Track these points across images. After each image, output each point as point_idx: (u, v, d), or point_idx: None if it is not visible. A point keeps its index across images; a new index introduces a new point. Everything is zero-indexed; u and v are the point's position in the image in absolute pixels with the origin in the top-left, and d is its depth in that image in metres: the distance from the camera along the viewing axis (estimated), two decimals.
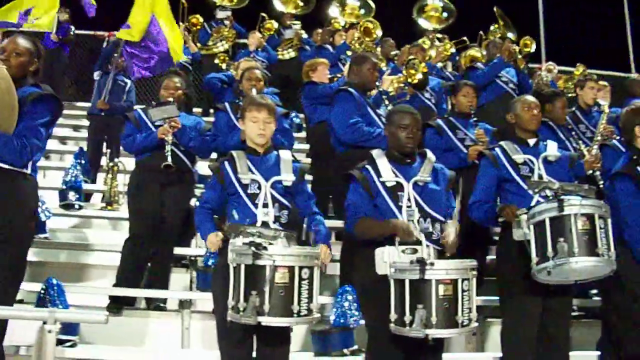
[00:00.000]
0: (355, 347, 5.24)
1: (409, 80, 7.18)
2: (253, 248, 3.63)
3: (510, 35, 10.34)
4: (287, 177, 4.33)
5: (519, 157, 4.70)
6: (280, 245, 3.79)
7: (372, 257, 4.09)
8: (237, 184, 4.28)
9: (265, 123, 4.38)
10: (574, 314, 6.38)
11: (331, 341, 5.21)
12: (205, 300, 5.65)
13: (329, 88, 7.40)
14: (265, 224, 4.15)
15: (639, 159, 4.81)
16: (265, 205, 4.23)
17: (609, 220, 4.23)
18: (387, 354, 4.06)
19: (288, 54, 11.08)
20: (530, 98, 5.03)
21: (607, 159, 6.04)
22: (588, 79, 7.61)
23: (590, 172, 6.15)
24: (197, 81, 11.61)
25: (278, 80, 10.29)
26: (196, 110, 10.60)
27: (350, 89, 5.89)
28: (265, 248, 3.66)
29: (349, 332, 5.25)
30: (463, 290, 3.75)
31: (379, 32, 9.88)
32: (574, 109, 7.31)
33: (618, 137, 6.44)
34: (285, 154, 4.47)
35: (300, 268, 3.71)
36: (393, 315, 3.82)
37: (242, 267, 3.71)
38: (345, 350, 5.19)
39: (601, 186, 5.88)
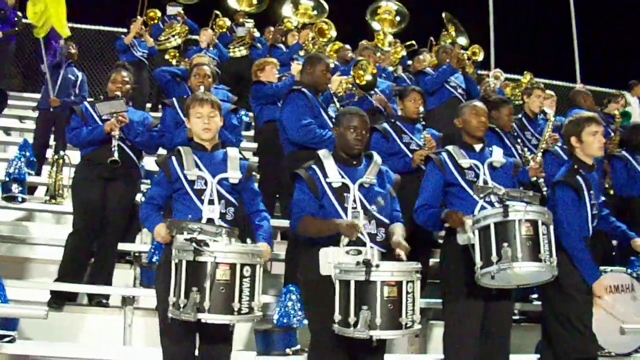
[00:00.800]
0: (298, 347, 5.24)
1: (357, 81, 7.20)
2: (194, 244, 3.60)
3: (463, 39, 10.44)
4: (234, 175, 4.32)
5: (465, 162, 4.74)
6: (222, 242, 3.76)
7: (317, 257, 4.10)
8: (183, 180, 4.26)
9: (209, 117, 4.37)
10: (514, 317, 6.50)
11: (274, 341, 5.20)
12: (148, 297, 5.60)
13: (274, 87, 7.40)
14: (210, 221, 4.12)
15: (579, 168, 4.92)
16: (211, 202, 4.21)
17: (552, 227, 4.32)
18: (330, 354, 4.07)
19: (240, 51, 11.04)
20: (478, 104, 5.06)
21: (548, 165, 6.19)
22: (535, 87, 7.70)
23: (534, 178, 6.26)
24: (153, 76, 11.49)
25: (229, 77, 10.26)
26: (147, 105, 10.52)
27: (303, 90, 5.87)
28: (206, 244, 3.63)
29: (292, 331, 5.24)
30: (407, 292, 3.77)
31: (333, 33, 9.94)
32: (520, 116, 7.41)
33: (561, 145, 6.58)
34: (232, 152, 4.46)
35: (242, 265, 3.69)
36: (337, 316, 3.81)
37: (184, 263, 3.68)
38: (287, 350, 5.19)
39: (545, 193, 5.99)
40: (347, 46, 10.16)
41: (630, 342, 5.70)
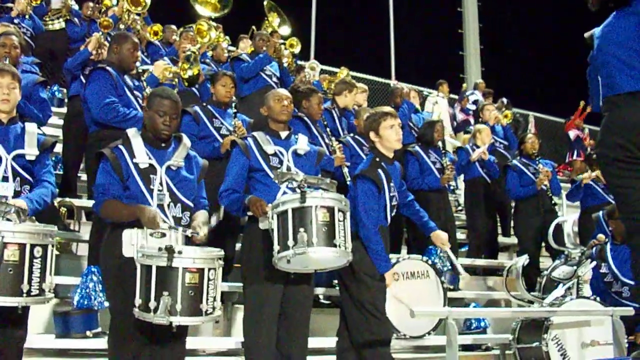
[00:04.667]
0: (99, 329, 5.15)
1: (181, 73, 7.11)
2: None
3: (286, 28, 10.51)
4: (31, 151, 4.19)
5: (270, 148, 4.82)
6: (11, 221, 3.62)
7: (120, 238, 4.02)
8: None
9: (9, 88, 4.23)
10: (320, 302, 6.73)
11: (73, 323, 5.09)
12: None
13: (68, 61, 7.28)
14: (3, 199, 3.94)
15: (380, 161, 5.14)
16: (5, 179, 4.06)
17: (348, 214, 4.44)
18: (129, 338, 4.02)
19: (59, 24, 10.53)
20: (281, 90, 5.20)
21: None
22: (355, 85, 8.01)
23: (339, 167, 6.51)
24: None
25: (43, 51, 9.79)
26: None
27: (108, 68, 5.72)
28: None
29: (93, 314, 5.15)
30: (209, 279, 3.79)
31: (147, 1, 9.67)
32: (332, 107, 7.61)
33: (353, 135, 6.91)
34: (30, 127, 4.31)
35: (33, 246, 3.59)
36: (138, 301, 3.76)
37: None
38: (88, 333, 5.09)
39: (348, 182, 6.21)
40: (173, 26, 10.00)
41: (423, 325, 6.09)
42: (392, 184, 5.13)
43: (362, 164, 5.26)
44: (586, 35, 3.78)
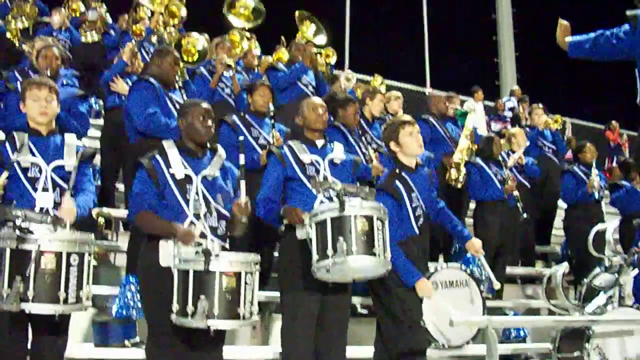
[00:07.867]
0: (138, 339, 5.16)
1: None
2: (18, 231, 3.49)
3: (322, 36, 10.49)
4: (70, 162, 4.23)
5: (306, 157, 4.80)
6: (47, 230, 3.65)
7: (157, 248, 4.04)
8: (17, 167, 4.12)
9: (47, 101, 4.28)
10: (358, 311, 6.68)
11: (112, 332, 5.12)
12: None
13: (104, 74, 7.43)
14: (43, 210, 4.01)
15: (401, 171, 5.08)
16: (45, 190, 4.10)
17: (387, 223, 4.42)
18: (167, 345, 4.02)
19: (91, 36, 10.64)
20: (315, 99, 5.19)
21: (384, 165, 6.42)
22: (377, 91, 7.98)
23: (377, 177, 6.46)
24: None
25: (80, 63, 9.91)
26: None
27: (150, 79, 5.83)
28: (30, 232, 3.52)
29: (131, 323, 5.18)
30: (246, 283, 3.79)
31: (183, 13, 9.74)
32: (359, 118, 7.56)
33: None
34: (70, 138, 4.36)
35: (69, 254, 3.62)
36: (175, 306, 3.78)
37: (7, 251, 3.55)
38: (126, 342, 5.11)
39: None
40: (206, 36, 10.03)
41: (462, 334, 5.99)
42: (414, 194, 5.04)
43: (382, 176, 5.21)
44: (629, 12, 3.67)
